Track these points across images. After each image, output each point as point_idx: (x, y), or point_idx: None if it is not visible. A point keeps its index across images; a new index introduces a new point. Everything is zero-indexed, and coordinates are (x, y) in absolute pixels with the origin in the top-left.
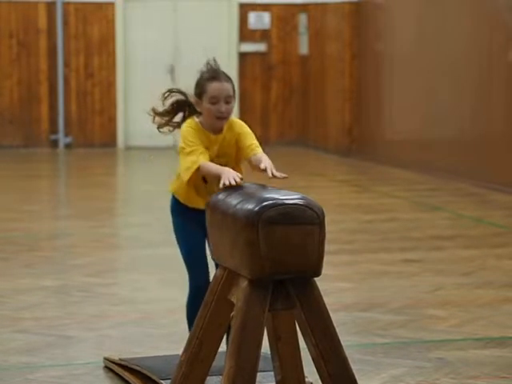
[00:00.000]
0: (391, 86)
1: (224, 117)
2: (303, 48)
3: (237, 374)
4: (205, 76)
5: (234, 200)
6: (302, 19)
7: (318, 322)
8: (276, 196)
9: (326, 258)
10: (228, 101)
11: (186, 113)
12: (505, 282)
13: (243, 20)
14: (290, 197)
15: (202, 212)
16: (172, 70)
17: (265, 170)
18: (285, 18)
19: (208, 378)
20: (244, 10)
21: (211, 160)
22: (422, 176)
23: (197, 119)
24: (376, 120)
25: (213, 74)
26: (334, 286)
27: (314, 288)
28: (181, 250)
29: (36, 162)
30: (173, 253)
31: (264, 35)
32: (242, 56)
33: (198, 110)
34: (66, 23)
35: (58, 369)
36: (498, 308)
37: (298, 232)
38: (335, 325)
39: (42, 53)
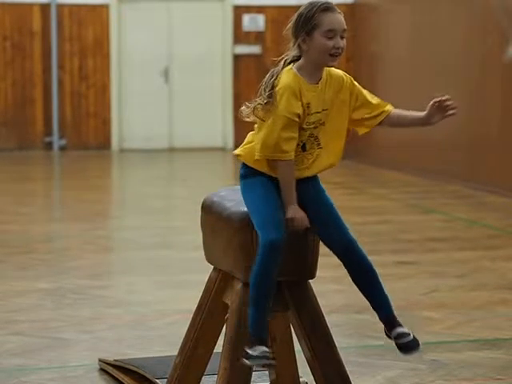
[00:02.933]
0: (385, 88)
1: (340, 53)
2: None
3: (231, 375)
4: (317, 7)
5: (228, 202)
6: None
7: (313, 324)
8: None
9: (320, 261)
10: (343, 36)
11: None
12: (499, 283)
13: (237, 22)
14: None
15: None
16: (166, 73)
17: (442, 102)
18: (279, 20)
19: (203, 377)
20: (238, 12)
21: (302, 134)
22: (416, 178)
23: (294, 69)
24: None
25: (327, 4)
26: (328, 288)
27: (308, 290)
28: (257, 210)
29: (30, 164)
30: (166, 255)
31: (258, 37)
32: (237, 58)
33: (304, 48)
34: (60, 25)
35: (53, 371)
36: (492, 310)
37: (292, 234)
38: (330, 327)
39: (36, 55)
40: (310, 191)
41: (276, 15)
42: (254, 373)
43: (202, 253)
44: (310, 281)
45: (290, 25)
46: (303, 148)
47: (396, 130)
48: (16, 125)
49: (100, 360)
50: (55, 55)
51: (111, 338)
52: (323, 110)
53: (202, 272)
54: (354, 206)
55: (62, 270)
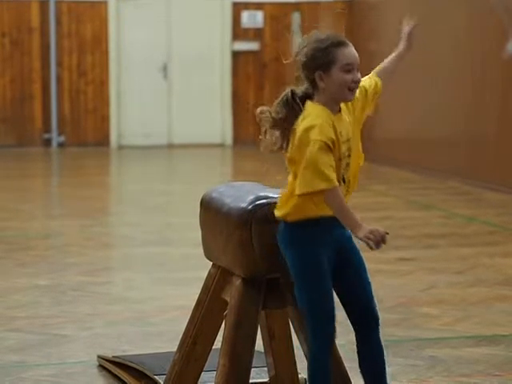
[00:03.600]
0: (384, 86)
1: (357, 87)
2: (296, 47)
3: (230, 371)
4: (330, 42)
5: (227, 198)
6: (295, 18)
7: None
8: (269, 195)
9: None
10: (358, 69)
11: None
12: (497, 280)
13: (236, 19)
14: None
15: (333, 220)
16: (165, 69)
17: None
18: (278, 16)
19: (202, 374)
20: (237, 8)
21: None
22: (415, 175)
23: (318, 104)
24: (369, 119)
25: (339, 39)
26: None
27: None
28: (313, 296)
29: (29, 161)
30: (166, 252)
31: (257, 34)
32: (235, 55)
33: (321, 86)
34: (58, 22)
35: (52, 367)
36: (490, 306)
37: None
38: None
39: (34, 52)
40: (344, 240)
41: (275, 12)
42: (252, 369)
43: (201, 249)
44: None
45: (301, 59)
46: (343, 180)
47: (396, 127)
48: (15, 121)
49: (99, 356)
50: (54, 52)
51: (110, 335)
52: (349, 138)
53: (201, 268)
54: (354, 203)
55: (61, 267)
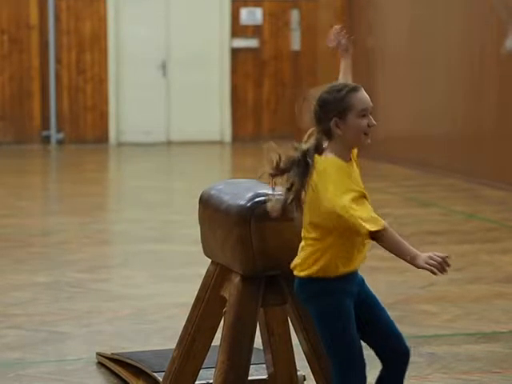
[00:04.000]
0: (383, 82)
1: (370, 131)
2: (295, 44)
3: (229, 368)
4: (346, 89)
5: (226, 196)
6: (294, 15)
7: (311, 318)
8: (268, 192)
9: None
10: (371, 112)
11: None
12: (496, 277)
13: (235, 16)
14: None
15: (355, 274)
16: (164, 66)
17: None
18: (277, 13)
19: (201, 371)
20: (236, 5)
21: None
22: (414, 172)
23: (329, 154)
24: None
25: (353, 85)
26: None
27: None
28: (342, 347)
29: (28, 158)
30: (164, 249)
31: (256, 31)
32: (234, 52)
33: (337, 132)
34: (57, 19)
35: (50, 365)
36: (489, 303)
37: (290, 228)
38: None
39: (33, 49)
40: (360, 283)
41: (274, 9)
42: (251, 366)
43: (200, 246)
44: None
45: (316, 108)
46: None
47: (395, 124)
48: (13, 119)
49: (98, 353)
50: (53, 49)
51: (109, 332)
52: (362, 187)
53: (200, 265)
54: None
55: (60, 264)
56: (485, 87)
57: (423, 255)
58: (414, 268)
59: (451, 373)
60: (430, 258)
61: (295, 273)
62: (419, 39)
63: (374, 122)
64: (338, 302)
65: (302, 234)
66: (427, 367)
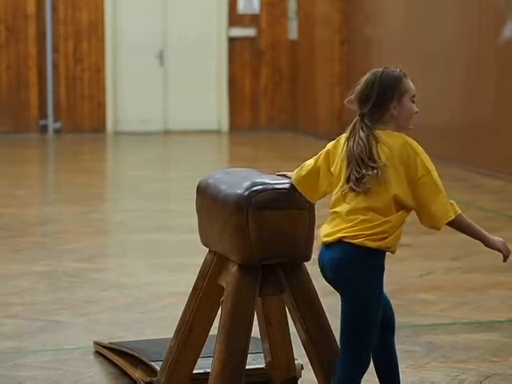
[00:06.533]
0: None
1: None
2: (293, 33)
3: (227, 357)
4: (400, 74)
5: (223, 185)
6: (292, 4)
7: (308, 307)
8: (266, 181)
9: (315, 243)
10: None
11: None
12: (494, 266)
13: (232, 5)
14: (280, 182)
15: None
16: (161, 55)
17: None
18: (274, 2)
19: (199, 360)
20: None
21: None
22: None
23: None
24: None
25: (403, 70)
26: None
27: (303, 272)
28: (370, 312)
29: (25, 147)
30: (162, 238)
31: (253, 20)
32: (232, 41)
33: (394, 114)
34: (54, 9)
35: (48, 354)
36: (487, 292)
37: (287, 217)
38: (325, 309)
39: (30, 38)
40: None
41: None
42: (249, 355)
43: (198, 235)
44: (307, 263)
45: (376, 90)
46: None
47: None
48: (11, 108)
49: (95, 343)
50: (50, 38)
51: (106, 321)
52: None
53: (197, 255)
54: None
55: (57, 253)
56: (483, 76)
57: (499, 239)
58: (412, 257)
59: (449, 362)
60: (505, 244)
61: (353, 241)
62: (417, 28)
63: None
64: (381, 278)
65: (374, 205)
66: (425, 356)
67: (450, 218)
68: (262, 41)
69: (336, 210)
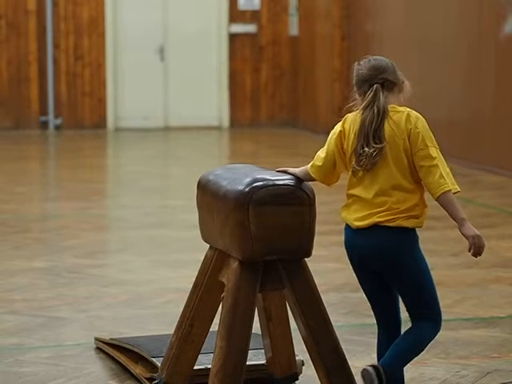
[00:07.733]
0: None
1: None
2: (293, 29)
3: (227, 353)
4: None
5: (224, 181)
6: (292, 0)
7: (309, 303)
8: (266, 177)
9: (316, 239)
10: None
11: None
12: (494, 262)
13: (233, 1)
14: (281, 178)
15: None
16: (162, 51)
17: None
18: None
19: (199, 356)
20: None
21: None
22: None
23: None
24: None
25: None
26: (324, 266)
27: (304, 269)
28: (429, 283)
29: (26, 143)
30: (162, 234)
31: (254, 16)
32: (232, 37)
33: (404, 90)
34: (55, 4)
35: (49, 350)
36: (487, 288)
37: (288, 213)
38: (326, 305)
39: (31, 34)
40: None
41: None
42: (250, 351)
43: (198, 232)
44: (307, 259)
45: (395, 70)
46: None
47: None
48: (11, 104)
49: (96, 339)
50: (50, 34)
51: (107, 317)
52: None
53: (198, 251)
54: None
55: (58, 249)
56: (483, 70)
57: (473, 229)
58: None
59: (450, 358)
60: (478, 237)
61: (390, 224)
62: (417, 23)
63: None
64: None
65: (395, 183)
66: (426, 352)
67: (442, 191)
68: (263, 37)
69: (355, 193)
